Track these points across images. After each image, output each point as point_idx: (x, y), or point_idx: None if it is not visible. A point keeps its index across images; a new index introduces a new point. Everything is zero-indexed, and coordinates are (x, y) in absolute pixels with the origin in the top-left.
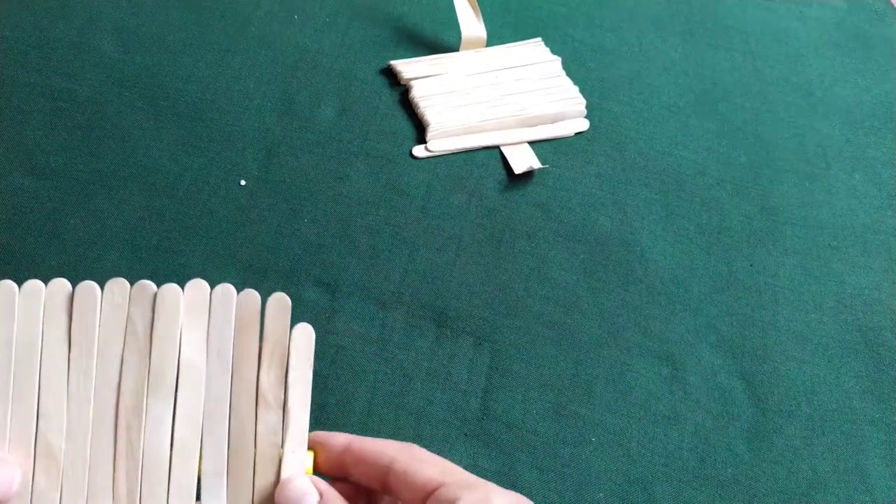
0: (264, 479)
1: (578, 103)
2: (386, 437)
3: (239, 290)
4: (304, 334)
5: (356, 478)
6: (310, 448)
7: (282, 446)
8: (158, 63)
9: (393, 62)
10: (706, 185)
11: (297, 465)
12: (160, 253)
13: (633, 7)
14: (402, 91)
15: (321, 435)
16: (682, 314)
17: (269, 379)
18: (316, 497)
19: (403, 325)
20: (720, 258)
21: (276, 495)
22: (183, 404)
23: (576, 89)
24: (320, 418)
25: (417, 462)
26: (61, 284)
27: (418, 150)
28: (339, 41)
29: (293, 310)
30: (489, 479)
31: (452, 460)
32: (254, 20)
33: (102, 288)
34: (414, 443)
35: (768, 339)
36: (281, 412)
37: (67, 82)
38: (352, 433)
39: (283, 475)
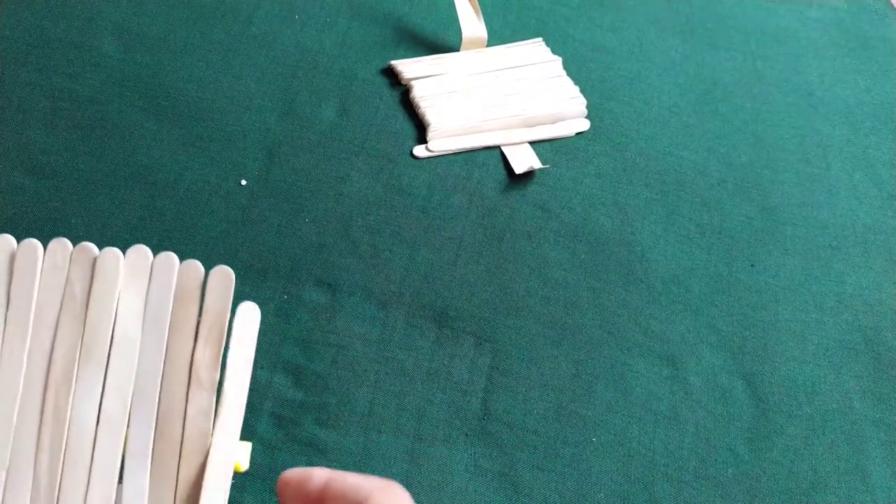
0: (189, 469)
1: (579, 103)
2: (386, 438)
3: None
4: (249, 312)
5: None
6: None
7: (211, 434)
8: (159, 63)
9: (394, 62)
10: (707, 186)
11: (226, 458)
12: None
13: (633, 7)
14: (402, 91)
15: (299, 471)
16: (683, 314)
17: (203, 356)
18: None
19: (404, 325)
20: (721, 258)
21: None
22: (114, 376)
23: (576, 89)
24: (321, 418)
25: (391, 501)
26: (6, 241)
27: (419, 150)
28: (340, 41)
29: (293, 310)
30: (490, 480)
31: (453, 460)
32: (254, 20)
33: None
34: (414, 443)
35: (769, 339)
36: (213, 395)
37: (68, 82)
38: (351, 434)
39: (209, 468)
